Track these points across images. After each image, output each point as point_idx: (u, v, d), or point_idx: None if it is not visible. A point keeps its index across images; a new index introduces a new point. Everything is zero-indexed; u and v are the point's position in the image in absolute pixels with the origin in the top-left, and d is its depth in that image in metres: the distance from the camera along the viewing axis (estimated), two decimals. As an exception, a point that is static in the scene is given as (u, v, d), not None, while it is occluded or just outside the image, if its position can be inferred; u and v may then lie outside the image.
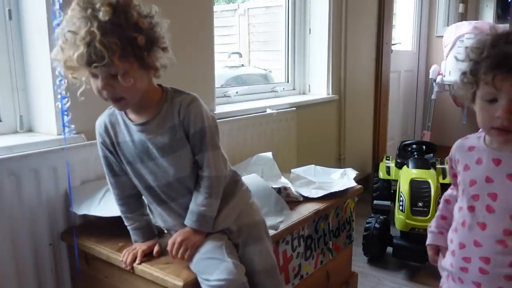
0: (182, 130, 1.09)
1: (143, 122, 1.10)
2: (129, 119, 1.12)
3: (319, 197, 1.65)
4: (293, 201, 1.61)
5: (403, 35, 4.17)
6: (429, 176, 2.22)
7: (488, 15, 4.37)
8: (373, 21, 3.22)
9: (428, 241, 1.13)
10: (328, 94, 2.81)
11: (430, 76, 3.95)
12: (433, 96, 3.90)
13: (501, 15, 4.28)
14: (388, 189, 2.73)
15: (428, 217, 2.05)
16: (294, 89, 2.79)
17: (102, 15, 0.93)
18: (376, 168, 2.89)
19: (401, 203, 2.15)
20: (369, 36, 3.20)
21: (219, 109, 2.04)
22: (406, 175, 2.27)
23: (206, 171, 1.10)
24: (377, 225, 2.20)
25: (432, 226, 1.13)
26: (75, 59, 0.93)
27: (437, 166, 2.54)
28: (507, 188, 0.91)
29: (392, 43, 3.54)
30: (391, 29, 3.37)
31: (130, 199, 1.19)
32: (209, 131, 1.10)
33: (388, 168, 2.74)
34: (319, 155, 2.75)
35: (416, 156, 2.52)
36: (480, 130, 1.00)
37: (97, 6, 0.93)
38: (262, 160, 1.88)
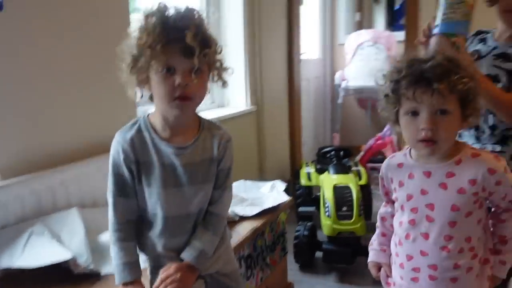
0: (216, 164, 1.07)
1: (181, 146, 1.04)
2: (161, 139, 1.03)
3: (254, 214, 1.66)
4: (229, 221, 1.59)
5: (309, 44, 4.36)
6: (349, 180, 2.35)
7: (380, 23, 4.78)
8: (283, 33, 3.33)
9: (370, 259, 1.17)
10: (247, 106, 2.84)
11: (336, 82, 4.21)
12: (339, 100, 4.15)
13: (391, 22, 4.72)
14: (310, 194, 2.83)
15: (352, 220, 2.17)
16: (213, 102, 2.78)
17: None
18: (296, 175, 2.98)
19: (327, 209, 2.24)
20: (280, 47, 3.30)
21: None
22: (329, 181, 2.37)
23: (217, 209, 1.09)
24: (305, 233, 2.26)
25: (373, 244, 1.18)
26: (189, 37, 0.92)
27: (352, 169, 2.69)
28: (441, 197, 0.99)
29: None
30: (300, 39, 3.51)
31: (129, 225, 1.06)
32: (231, 172, 1.11)
33: (308, 174, 2.83)
34: (241, 168, 2.75)
35: (335, 162, 2.64)
36: (405, 147, 1.09)
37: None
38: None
